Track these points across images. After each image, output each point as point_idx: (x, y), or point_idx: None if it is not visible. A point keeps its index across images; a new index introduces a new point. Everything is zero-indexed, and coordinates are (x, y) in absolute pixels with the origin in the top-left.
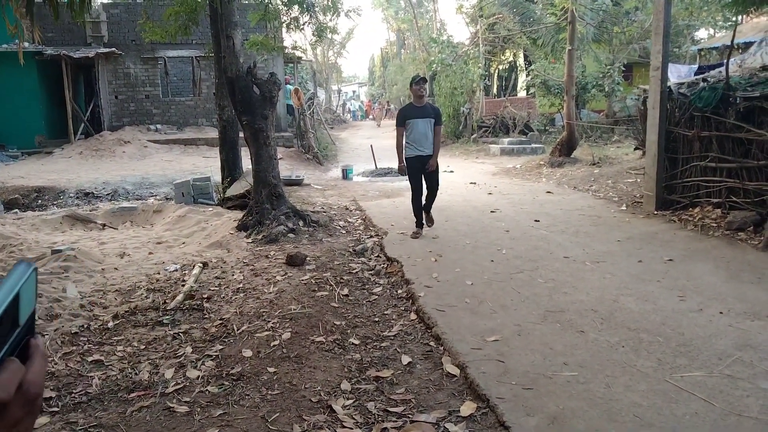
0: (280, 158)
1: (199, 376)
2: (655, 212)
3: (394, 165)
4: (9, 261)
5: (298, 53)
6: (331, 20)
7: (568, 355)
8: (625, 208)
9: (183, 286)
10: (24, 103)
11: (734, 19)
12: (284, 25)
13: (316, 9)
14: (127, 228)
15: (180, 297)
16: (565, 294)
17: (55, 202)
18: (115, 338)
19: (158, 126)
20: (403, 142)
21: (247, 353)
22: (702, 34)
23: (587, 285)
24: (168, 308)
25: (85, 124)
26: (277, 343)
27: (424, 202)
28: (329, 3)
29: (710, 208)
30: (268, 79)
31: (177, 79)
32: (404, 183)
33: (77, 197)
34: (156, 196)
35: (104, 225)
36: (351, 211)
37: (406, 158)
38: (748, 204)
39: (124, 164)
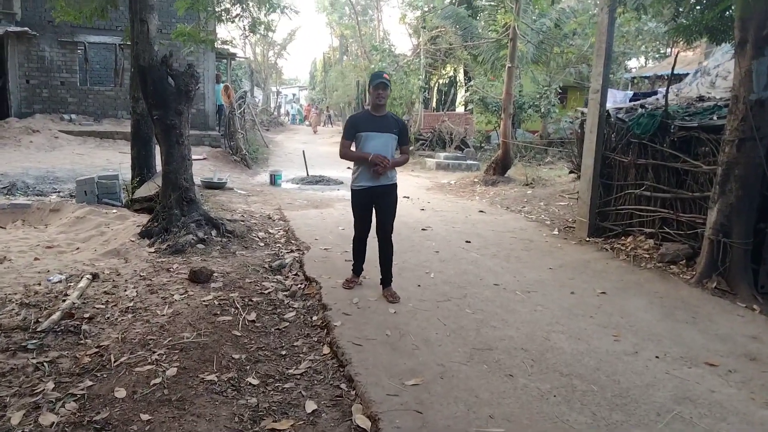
0: (203, 158)
1: (53, 423)
2: (588, 239)
3: (328, 173)
4: None
5: (233, 49)
6: (265, 15)
7: (494, 405)
8: (557, 233)
9: (64, 301)
10: None
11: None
12: (215, 17)
13: (250, 2)
14: (16, 228)
15: (56, 315)
16: (493, 328)
17: None
18: None
19: (73, 116)
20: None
21: (120, 393)
22: (633, 63)
23: (517, 318)
24: (39, 329)
25: None
26: (158, 381)
27: (378, 250)
28: None
29: (643, 237)
30: (186, 71)
31: (98, 66)
32: (335, 192)
33: None
34: (60, 192)
35: None
36: (274, 220)
37: (353, 189)
38: (681, 236)
39: (30, 155)
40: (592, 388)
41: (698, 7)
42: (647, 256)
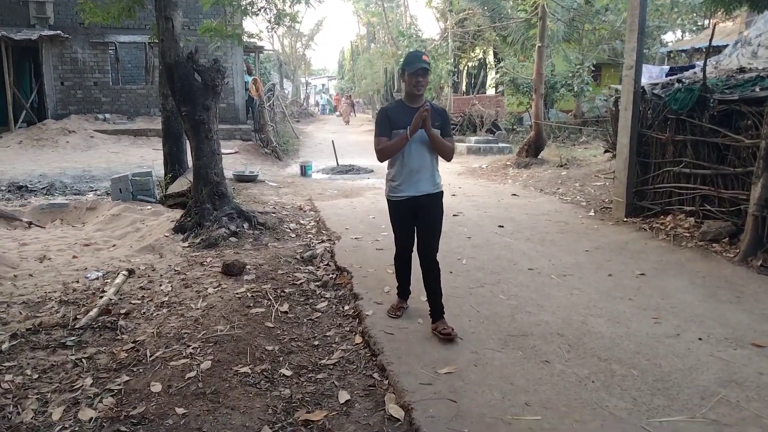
0: (235, 152)
1: (92, 418)
2: (625, 219)
3: (357, 162)
4: None
5: (260, 42)
6: (290, 7)
7: (530, 392)
8: (593, 214)
9: (101, 298)
10: None
11: (708, 20)
12: (240, 10)
13: None
14: (55, 227)
15: (94, 312)
16: (528, 314)
17: None
18: (6, 364)
19: (107, 115)
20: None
21: (156, 388)
22: (669, 37)
23: (553, 303)
24: (77, 326)
25: (27, 112)
26: (193, 374)
27: (422, 275)
28: None
29: (683, 216)
30: (212, 66)
31: (130, 65)
32: (365, 181)
33: (9, 191)
34: (96, 191)
35: (30, 223)
36: (305, 211)
37: (391, 201)
38: (723, 213)
39: (67, 155)
40: (632, 372)
41: None
42: (688, 234)
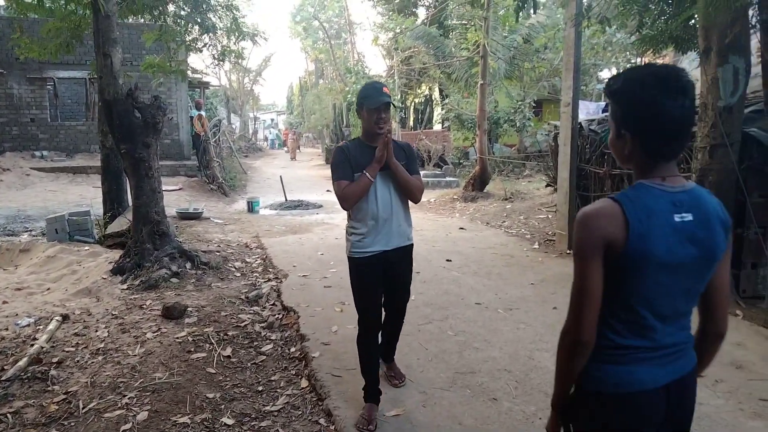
0: (179, 188)
1: None
2: (568, 251)
3: (306, 197)
4: None
5: (206, 78)
6: (235, 43)
7: (479, 431)
8: (537, 247)
9: (32, 346)
10: None
11: (639, 58)
12: (183, 46)
13: (219, 31)
14: None
15: (23, 362)
16: (476, 350)
17: None
18: None
19: (45, 152)
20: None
21: None
22: (606, 74)
23: (500, 338)
24: (3, 378)
25: None
26: (128, 427)
27: (384, 318)
28: (232, 25)
29: None
30: (152, 103)
31: (70, 101)
32: (313, 216)
33: None
34: (31, 231)
35: None
36: (251, 249)
37: (354, 258)
38: None
39: (0, 194)
40: None
41: (662, 18)
42: None
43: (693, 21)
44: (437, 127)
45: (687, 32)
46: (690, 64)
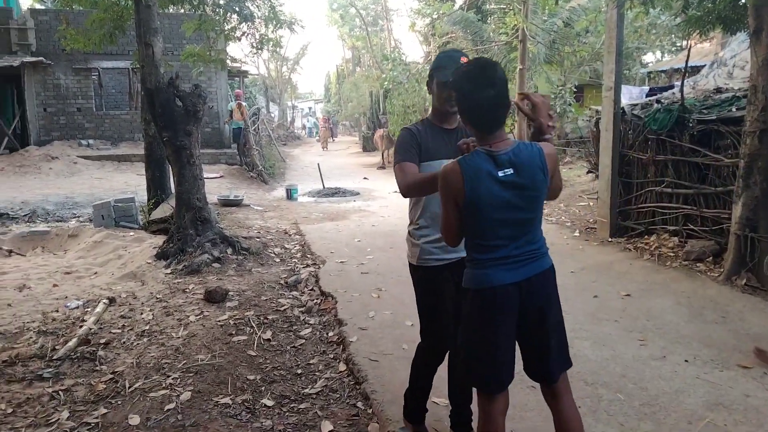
0: (220, 176)
1: None
2: (610, 239)
3: (343, 184)
4: None
5: (245, 67)
6: (273, 32)
7: (517, 419)
8: (578, 234)
9: (81, 327)
10: None
11: (685, 41)
12: (222, 36)
13: (257, 20)
14: (36, 255)
15: (72, 342)
16: None
17: None
18: None
19: (90, 141)
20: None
21: (134, 420)
22: (650, 57)
23: None
24: (55, 357)
25: (9, 138)
26: (172, 406)
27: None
28: (270, 14)
29: (667, 236)
30: (192, 92)
31: (114, 91)
32: (350, 204)
33: None
34: (79, 217)
35: (10, 251)
36: (290, 235)
37: (421, 268)
38: (707, 232)
39: (50, 182)
40: (619, 397)
41: None
42: (672, 254)
43: (743, 0)
44: None
45: (736, 12)
46: (739, 45)
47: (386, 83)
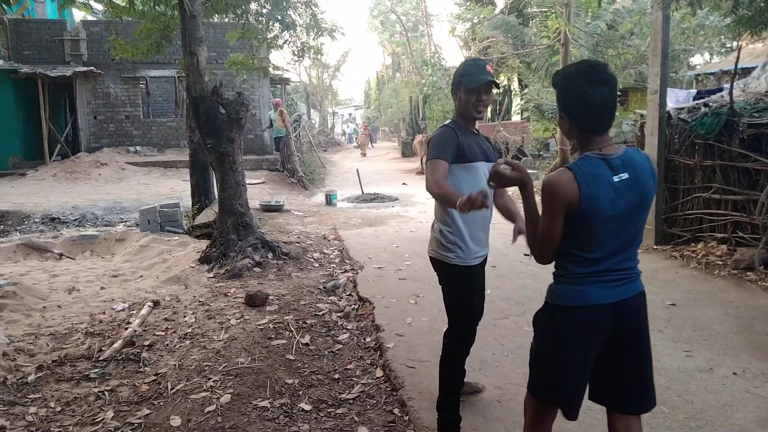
0: (262, 182)
1: None
2: (655, 247)
3: (382, 190)
4: None
5: (287, 74)
6: (314, 40)
7: (555, 429)
8: None
9: (126, 329)
10: None
11: (735, 42)
12: (265, 44)
13: (298, 28)
14: (85, 258)
15: (118, 344)
16: None
17: (18, 228)
18: (31, 396)
19: (138, 148)
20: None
21: (176, 422)
22: (698, 59)
23: None
24: (101, 358)
25: (62, 145)
26: (213, 408)
27: None
28: (311, 21)
29: (715, 243)
30: (235, 99)
31: (160, 99)
32: (389, 209)
33: (42, 223)
34: (126, 222)
35: (61, 255)
36: (329, 240)
37: (458, 267)
38: (757, 240)
39: (99, 187)
40: (662, 409)
41: None
42: (720, 263)
43: None
44: (516, 118)
45: None
46: None
47: (426, 88)
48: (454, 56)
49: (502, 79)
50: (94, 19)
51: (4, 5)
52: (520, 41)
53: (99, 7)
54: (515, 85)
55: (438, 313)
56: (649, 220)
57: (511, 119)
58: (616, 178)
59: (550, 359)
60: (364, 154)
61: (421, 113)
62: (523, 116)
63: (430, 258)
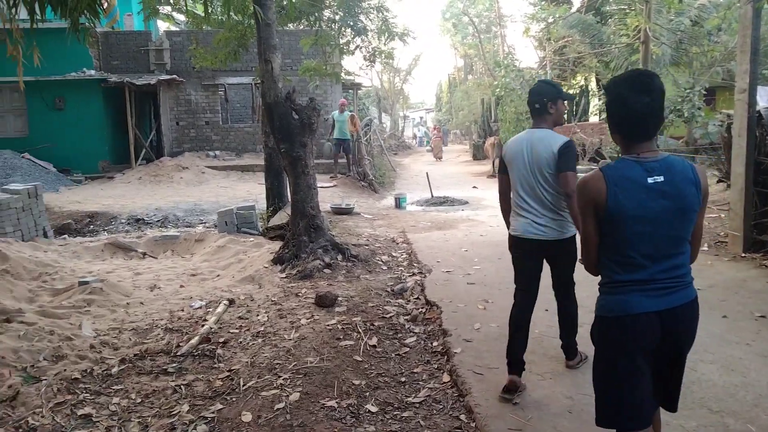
0: (333, 185)
1: None
2: (743, 255)
3: (452, 193)
4: (38, 292)
5: (358, 79)
6: (384, 44)
7: None
8: (706, 249)
9: (203, 326)
10: (90, 128)
11: None
12: (337, 50)
13: (369, 33)
14: (166, 257)
15: (195, 340)
16: None
17: (105, 228)
18: (115, 387)
19: (217, 152)
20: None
21: (247, 417)
22: None
23: None
24: (179, 353)
25: (146, 150)
26: (282, 405)
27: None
28: (383, 26)
29: None
30: (307, 105)
31: (238, 105)
32: (458, 213)
33: (128, 223)
34: (205, 223)
35: (145, 254)
36: (397, 243)
37: (511, 236)
38: None
39: (180, 190)
40: (749, 428)
41: None
42: None
43: None
44: (593, 119)
45: None
46: None
47: (498, 90)
48: (527, 57)
49: (579, 79)
50: (177, 29)
51: (95, 19)
52: (597, 40)
53: (181, 17)
54: (593, 85)
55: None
56: (736, 227)
57: (588, 120)
58: (650, 180)
59: (604, 377)
60: (439, 158)
61: (493, 115)
62: (601, 117)
63: (554, 241)
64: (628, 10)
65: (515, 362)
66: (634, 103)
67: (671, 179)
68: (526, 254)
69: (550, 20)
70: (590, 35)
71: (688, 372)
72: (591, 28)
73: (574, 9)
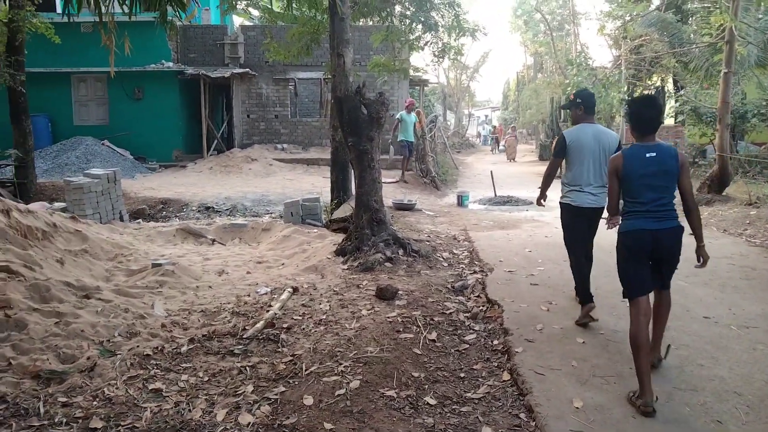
0: (396, 181)
1: (250, 423)
2: None
3: (516, 193)
4: (114, 272)
5: (425, 76)
6: (455, 40)
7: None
8: None
9: (268, 312)
10: (165, 118)
11: None
12: (407, 45)
13: (440, 29)
14: (234, 245)
15: (260, 324)
16: (700, 367)
17: (177, 215)
18: (184, 365)
19: (284, 145)
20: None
21: (308, 401)
22: None
23: (731, 357)
24: (245, 336)
25: (218, 141)
26: (342, 392)
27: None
28: (453, 22)
29: None
30: (376, 99)
31: (307, 100)
32: (522, 213)
33: (199, 210)
34: (272, 213)
35: (214, 240)
36: (459, 241)
37: (561, 204)
38: None
39: (249, 181)
40: None
41: None
42: None
43: None
44: (669, 121)
45: None
46: None
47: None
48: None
49: (655, 80)
50: (251, 24)
51: (182, 11)
52: (677, 39)
53: (256, 13)
54: (669, 86)
55: (572, 322)
56: None
57: (663, 123)
58: (648, 155)
59: (622, 266)
60: (512, 159)
61: (562, 115)
62: (678, 120)
63: (599, 208)
64: (712, 8)
65: (586, 295)
66: (645, 115)
67: (660, 154)
68: (582, 219)
69: (628, 18)
70: (669, 34)
71: (762, 386)
72: (671, 26)
73: (653, 7)
